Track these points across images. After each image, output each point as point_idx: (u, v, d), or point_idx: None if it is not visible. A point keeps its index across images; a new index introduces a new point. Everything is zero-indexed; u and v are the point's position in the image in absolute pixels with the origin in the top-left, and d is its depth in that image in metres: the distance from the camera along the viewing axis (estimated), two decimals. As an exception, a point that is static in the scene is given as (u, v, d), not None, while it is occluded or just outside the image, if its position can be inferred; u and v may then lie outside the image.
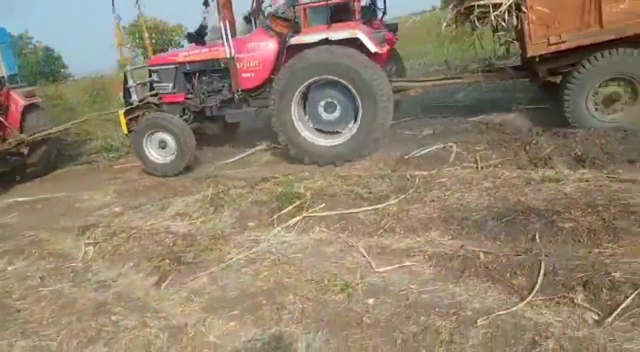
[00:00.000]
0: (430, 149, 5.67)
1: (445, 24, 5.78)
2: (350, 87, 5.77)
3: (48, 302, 3.73)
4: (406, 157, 5.60)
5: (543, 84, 6.05)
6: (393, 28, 7.11)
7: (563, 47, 5.27)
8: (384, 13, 6.97)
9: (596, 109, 5.39)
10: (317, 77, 5.88)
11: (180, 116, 6.86)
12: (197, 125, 7.10)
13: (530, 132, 5.51)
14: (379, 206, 4.37)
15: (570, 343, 2.34)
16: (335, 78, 5.79)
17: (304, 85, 5.94)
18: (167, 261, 4.03)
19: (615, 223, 3.27)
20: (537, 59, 5.65)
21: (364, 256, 3.62)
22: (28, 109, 8.02)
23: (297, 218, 4.41)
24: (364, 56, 5.69)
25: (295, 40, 5.95)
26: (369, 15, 6.45)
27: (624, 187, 3.80)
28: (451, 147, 5.51)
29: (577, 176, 4.20)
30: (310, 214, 4.45)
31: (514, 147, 5.12)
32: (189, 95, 6.90)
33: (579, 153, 4.64)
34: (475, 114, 6.80)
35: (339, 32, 5.73)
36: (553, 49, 5.33)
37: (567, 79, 5.46)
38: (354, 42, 5.70)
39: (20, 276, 4.31)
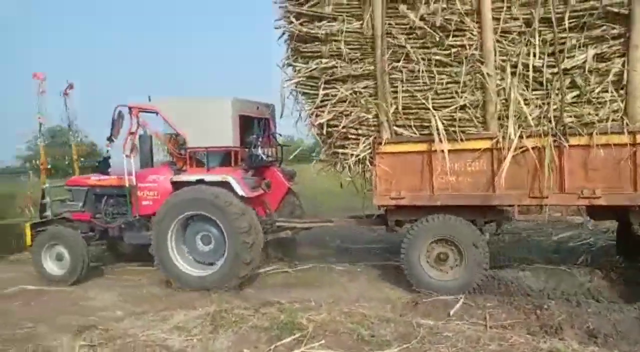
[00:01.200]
0: (439, 297, 5.61)
1: (313, 164, 6.80)
2: (218, 222, 6.46)
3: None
4: (414, 302, 5.55)
5: None
6: (291, 174, 7.90)
7: (402, 202, 6.06)
8: (281, 161, 7.91)
9: (431, 267, 5.97)
10: (189, 212, 6.63)
11: (84, 233, 7.47)
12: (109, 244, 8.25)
13: (542, 294, 5.43)
14: (379, 352, 4.25)
15: None
16: (204, 213, 6.53)
17: (179, 217, 6.65)
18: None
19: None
20: (385, 210, 6.38)
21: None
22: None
23: (294, 352, 4.30)
24: (230, 195, 6.45)
25: (176, 178, 6.81)
26: (257, 162, 7.21)
27: (635, 374, 3.63)
28: (459, 298, 5.45)
29: (586, 353, 4.05)
30: (308, 350, 4.34)
31: (525, 309, 5.03)
32: (97, 215, 7.55)
33: (591, 327, 4.52)
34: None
35: (213, 176, 6.63)
36: (394, 202, 6.10)
37: (405, 235, 6.08)
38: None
39: (6, 371, 4.23)
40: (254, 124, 7.28)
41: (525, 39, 5.45)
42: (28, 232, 7.31)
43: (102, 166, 7.64)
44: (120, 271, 8.08)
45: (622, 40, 5.19)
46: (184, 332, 4.97)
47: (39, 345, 4.77)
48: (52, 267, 7.20)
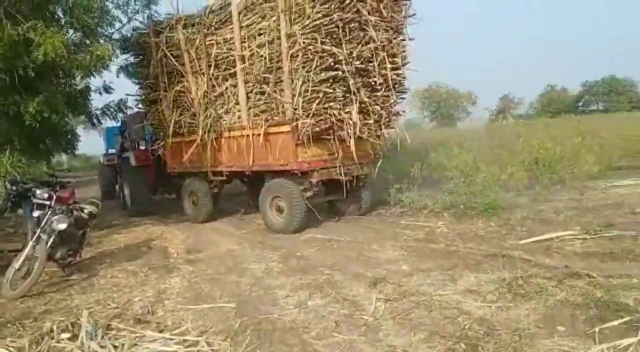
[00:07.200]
0: None
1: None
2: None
3: (341, 351, 3.76)
4: None
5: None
6: None
7: (174, 171, 10.92)
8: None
9: (191, 204, 10.69)
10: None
11: None
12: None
13: None
14: None
15: None
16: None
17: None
18: (463, 345, 3.65)
19: None
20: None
21: None
22: None
23: (630, 340, 3.47)
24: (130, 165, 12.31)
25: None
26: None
27: None
28: None
29: None
30: (647, 340, 3.47)
31: None
32: None
33: None
34: None
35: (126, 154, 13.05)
36: (172, 171, 10.94)
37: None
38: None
39: (318, 314, 4.53)
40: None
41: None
42: None
43: None
44: (393, 224, 8.30)
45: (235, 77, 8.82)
46: (478, 297, 4.61)
47: (339, 293, 5.04)
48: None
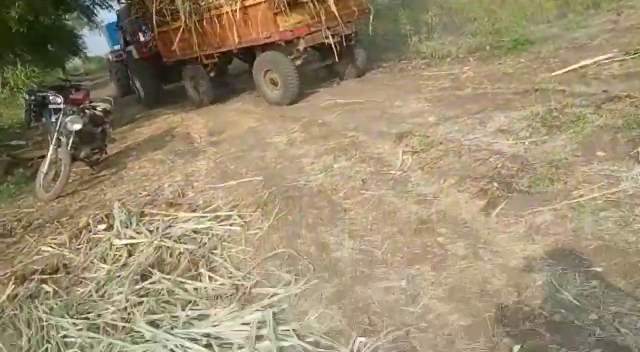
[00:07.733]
0: None
1: None
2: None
3: (370, 207, 3.70)
4: None
5: None
6: None
7: (168, 60, 10.66)
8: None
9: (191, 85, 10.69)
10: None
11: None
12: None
13: None
14: None
15: None
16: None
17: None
18: (495, 184, 3.51)
19: None
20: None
21: None
22: None
23: (677, 156, 3.25)
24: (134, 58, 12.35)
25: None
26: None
27: None
28: None
29: None
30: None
31: None
32: None
33: None
34: None
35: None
36: (168, 60, 10.66)
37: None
38: None
39: (345, 175, 4.44)
40: None
41: None
42: None
43: None
44: (415, 76, 7.88)
45: None
46: (510, 136, 4.38)
47: (364, 153, 4.92)
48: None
